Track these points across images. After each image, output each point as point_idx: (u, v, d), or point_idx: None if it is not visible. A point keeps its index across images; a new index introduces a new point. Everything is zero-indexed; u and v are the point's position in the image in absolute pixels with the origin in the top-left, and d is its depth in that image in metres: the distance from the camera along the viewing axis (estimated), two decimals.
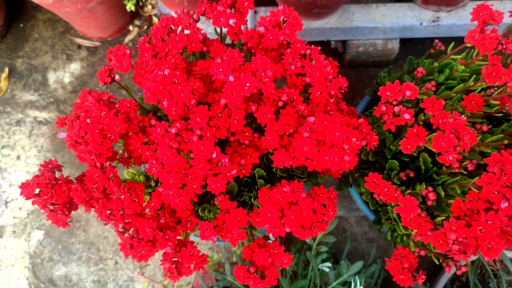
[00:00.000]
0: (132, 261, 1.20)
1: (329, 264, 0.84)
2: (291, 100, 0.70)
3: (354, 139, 0.60)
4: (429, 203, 0.68)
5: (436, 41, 0.89)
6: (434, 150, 0.63)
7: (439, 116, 0.65)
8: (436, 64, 0.83)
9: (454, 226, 0.60)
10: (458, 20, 1.21)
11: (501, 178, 0.59)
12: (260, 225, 0.63)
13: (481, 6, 0.67)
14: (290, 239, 1.03)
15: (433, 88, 0.74)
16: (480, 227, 0.59)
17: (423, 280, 0.78)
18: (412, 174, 0.76)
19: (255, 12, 1.22)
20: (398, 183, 0.79)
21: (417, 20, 1.21)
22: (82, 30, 1.42)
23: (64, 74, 1.42)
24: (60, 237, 1.24)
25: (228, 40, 0.82)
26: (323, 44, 1.34)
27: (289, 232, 0.63)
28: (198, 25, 0.77)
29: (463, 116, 0.63)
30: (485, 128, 0.69)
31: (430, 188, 0.69)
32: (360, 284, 0.80)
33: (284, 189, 0.63)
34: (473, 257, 1.02)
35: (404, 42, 1.36)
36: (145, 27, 1.47)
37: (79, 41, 1.44)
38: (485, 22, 0.68)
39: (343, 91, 0.71)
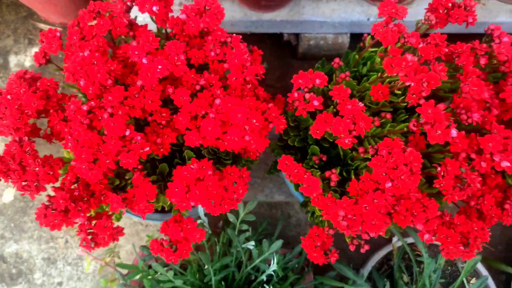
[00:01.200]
0: None
1: (252, 242, 0.89)
2: (211, 84, 0.74)
3: (254, 120, 0.64)
4: (332, 183, 0.73)
5: (365, 35, 0.94)
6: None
7: (343, 104, 0.70)
8: (356, 57, 0.88)
9: (344, 204, 0.65)
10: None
11: (388, 161, 0.64)
12: (169, 199, 0.67)
13: (387, 2, 0.72)
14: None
15: (347, 78, 0.79)
16: (365, 205, 0.64)
17: (335, 259, 0.83)
18: (324, 158, 0.80)
19: None
20: (316, 167, 0.84)
21: (364, 16, 1.26)
22: (44, 15, 1.45)
23: (26, 58, 1.45)
24: (13, 216, 1.28)
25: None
26: (278, 36, 1.38)
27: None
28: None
29: (360, 103, 0.68)
30: (388, 116, 0.74)
31: (334, 170, 0.74)
32: (276, 262, 0.85)
33: (192, 166, 0.67)
34: (399, 243, 1.08)
35: (354, 36, 1.41)
36: None
37: (42, 26, 1.47)
38: (392, 17, 0.73)
39: (259, 77, 0.75)
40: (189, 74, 0.72)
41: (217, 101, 0.66)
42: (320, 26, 1.28)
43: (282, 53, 1.46)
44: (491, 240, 1.36)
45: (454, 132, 0.63)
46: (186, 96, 0.70)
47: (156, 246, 0.73)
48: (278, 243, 0.88)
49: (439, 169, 0.68)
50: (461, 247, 0.70)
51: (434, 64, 0.65)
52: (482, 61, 0.71)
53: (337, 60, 0.79)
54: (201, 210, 0.93)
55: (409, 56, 0.64)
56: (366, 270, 1.07)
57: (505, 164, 0.65)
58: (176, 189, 0.66)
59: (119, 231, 0.71)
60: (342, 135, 0.67)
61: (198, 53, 0.75)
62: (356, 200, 0.66)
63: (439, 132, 0.63)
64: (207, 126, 0.65)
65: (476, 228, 0.70)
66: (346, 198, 0.66)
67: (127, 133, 0.67)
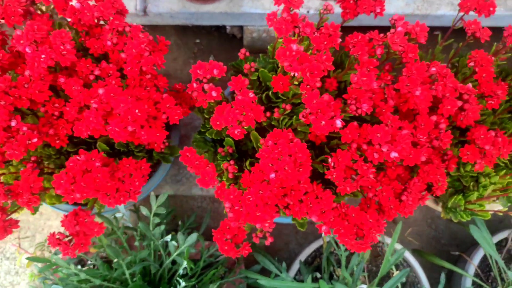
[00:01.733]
0: (18, 234, 1.22)
1: (169, 236, 0.88)
2: (109, 74, 0.73)
3: (137, 110, 0.63)
4: (230, 175, 0.73)
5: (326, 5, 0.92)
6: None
7: (240, 94, 0.69)
8: (270, 48, 0.87)
9: (232, 195, 0.65)
10: None
11: (273, 152, 0.63)
12: (55, 190, 0.66)
13: None
14: None
15: (253, 69, 0.78)
16: (249, 196, 0.63)
17: (247, 252, 0.82)
18: (230, 150, 0.79)
19: None
20: (229, 159, 0.83)
21: (304, 8, 1.25)
22: None
23: None
24: None
25: None
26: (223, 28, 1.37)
27: None
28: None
29: (251, 93, 0.67)
30: (288, 107, 0.73)
31: (232, 162, 0.73)
32: (185, 255, 0.84)
33: (78, 157, 0.66)
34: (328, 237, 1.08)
35: None
36: None
37: None
38: (289, 7, 0.72)
39: (159, 68, 0.74)
40: (83, 63, 0.71)
41: (100, 90, 0.64)
42: (260, 19, 1.27)
43: (230, 46, 1.45)
44: (435, 233, 1.37)
45: (338, 123, 0.63)
46: (78, 86, 0.69)
47: (53, 240, 0.72)
48: (194, 236, 0.87)
49: (330, 160, 0.67)
50: (355, 239, 0.69)
51: (319, 54, 0.64)
52: (378, 51, 0.70)
53: (243, 50, 0.78)
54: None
55: (293, 46, 0.64)
56: (296, 263, 1.07)
57: (393, 154, 0.64)
58: (62, 181, 0.65)
59: (13, 224, 0.70)
60: (231, 126, 0.66)
61: (97, 42, 0.74)
62: (242, 191, 0.65)
63: (323, 122, 0.62)
64: (89, 117, 0.64)
65: (371, 220, 0.70)
66: (234, 189, 0.66)
67: (13, 123, 0.66)
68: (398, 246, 1.13)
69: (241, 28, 1.34)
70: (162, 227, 0.87)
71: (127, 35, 0.75)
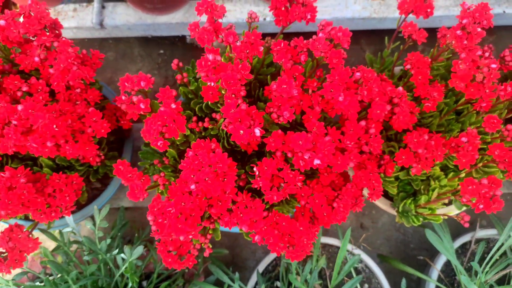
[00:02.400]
0: None
1: (115, 251, 0.87)
2: (39, 90, 0.73)
3: (55, 126, 0.63)
4: (161, 187, 0.72)
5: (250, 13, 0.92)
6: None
7: (163, 105, 0.69)
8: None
9: (156, 207, 0.64)
10: None
11: (194, 163, 0.63)
12: None
13: (204, 1, 0.70)
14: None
15: (185, 80, 0.78)
16: (171, 208, 0.62)
17: (191, 263, 0.82)
18: (167, 161, 0.79)
19: (103, 7, 1.24)
20: (170, 170, 0.83)
21: (261, 16, 1.25)
22: None
23: None
24: None
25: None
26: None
27: None
28: None
29: (173, 105, 0.66)
30: (219, 117, 0.73)
31: (162, 174, 0.73)
32: (129, 268, 0.83)
33: (3, 174, 0.66)
34: None
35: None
36: None
37: None
38: (214, 18, 0.71)
39: (88, 81, 0.74)
40: (11, 80, 0.71)
41: (19, 107, 0.64)
42: None
43: (194, 56, 1.45)
44: (404, 237, 1.35)
45: (257, 132, 0.62)
46: (5, 102, 0.69)
47: None
48: (139, 249, 0.86)
49: (255, 169, 0.66)
50: (287, 248, 0.68)
51: (240, 65, 0.63)
52: (302, 57, 0.69)
53: (175, 61, 0.78)
54: (69, 219, 0.92)
55: (209, 56, 0.63)
56: (257, 272, 1.06)
57: (316, 162, 0.64)
58: None
59: None
60: (154, 137, 0.66)
61: (26, 58, 0.74)
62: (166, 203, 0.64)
63: (242, 132, 0.62)
64: (8, 133, 0.63)
65: (301, 228, 0.69)
66: (158, 202, 0.65)
67: None
68: (360, 253, 1.11)
69: None
70: (108, 240, 0.87)
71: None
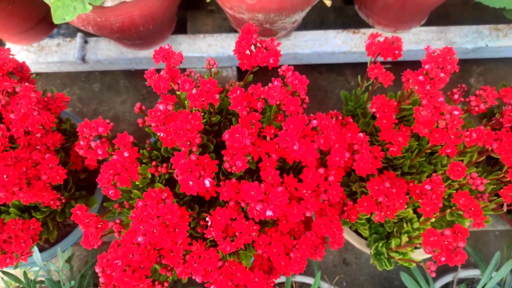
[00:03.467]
0: None
1: None
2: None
3: (5, 176, 0.63)
4: (116, 234, 0.71)
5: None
6: None
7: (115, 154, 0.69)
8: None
9: (104, 258, 0.63)
10: (281, 50, 1.25)
11: (142, 214, 0.62)
12: None
13: (161, 49, 0.71)
14: None
15: (146, 123, 0.77)
16: (117, 260, 0.61)
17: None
18: (115, 206, 0.78)
19: (86, 42, 1.26)
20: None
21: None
22: None
23: None
24: None
25: None
26: None
27: None
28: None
29: (127, 152, 0.66)
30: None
31: (118, 221, 0.72)
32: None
33: None
34: None
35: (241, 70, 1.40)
36: None
37: None
38: (171, 64, 0.72)
39: (47, 127, 0.74)
40: None
41: None
42: (199, 61, 1.28)
43: None
44: (388, 274, 1.30)
45: (207, 183, 0.61)
46: None
47: None
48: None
49: (208, 218, 0.65)
50: None
51: (184, 112, 0.63)
52: (259, 104, 0.69)
53: (138, 105, 0.78)
54: (37, 258, 0.91)
55: (160, 106, 0.63)
56: None
57: (269, 213, 0.62)
58: None
59: None
60: (105, 186, 0.65)
61: None
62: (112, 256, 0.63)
63: (191, 183, 0.61)
64: None
65: (256, 279, 0.67)
66: (111, 251, 0.64)
67: None
68: None
69: (183, 70, 1.35)
70: (73, 282, 0.85)
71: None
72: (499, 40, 1.26)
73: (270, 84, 0.69)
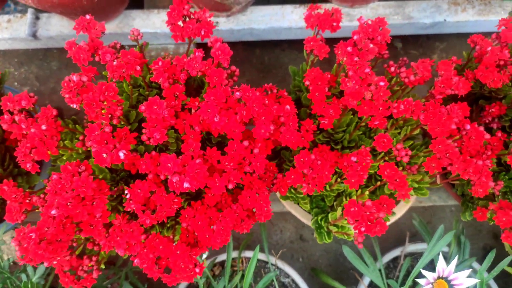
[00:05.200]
0: None
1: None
2: None
3: None
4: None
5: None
6: None
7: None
8: None
9: (22, 232, 0.63)
10: (236, 25, 1.23)
11: (57, 187, 0.61)
12: None
13: (81, 20, 0.69)
14: None
15: None
16: (31, 233, 0.61)
17: (91, 283, 0.80)
18: None
19: (37, 18, 1.23)
20: None
21: None
22: None
23: None
24: None
25: None
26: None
27: None
28: None
29: (44, 127, 0.65)
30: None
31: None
32: None
33: None
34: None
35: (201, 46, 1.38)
36: None
37: None
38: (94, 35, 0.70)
39: None
40: None
41: None
42: (154, 37, 1.26)
43: None
44: (340, 252, 1.31)
45: (121, 155, 0.61)
46: None
47: None
48: (42, 268, 0.85)
49: (126, 191, 0.65)
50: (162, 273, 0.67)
51: (98, 85, 0.62)
52: (182, 76, 0.68)
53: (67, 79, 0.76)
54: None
55: (74, 77, 0.62)
56: None
57: (186, 185, 0.62)
58: None
59: None
60: (22, 160, 0.64)
61: None
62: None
63: (105, 155, 0.60)
64: None
65: (179, 252, 0.67)
66: (22, 229, 0.64)
67: None
68: (290, 271, 1.10)
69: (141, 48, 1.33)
70: (12, 258, 0.85)
71: None
72: (458, 14, 1.25)
73: (191, 55, 0.68)
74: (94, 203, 0.63)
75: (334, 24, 0.81)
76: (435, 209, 1.31)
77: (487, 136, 0.72)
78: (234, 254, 1.07)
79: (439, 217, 1.32)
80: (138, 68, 0.66)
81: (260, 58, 1.46)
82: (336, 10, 0.80)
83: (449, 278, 0.75)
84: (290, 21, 1.24)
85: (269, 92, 0.80)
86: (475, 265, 1.09)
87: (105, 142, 0.61)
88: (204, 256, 1.03)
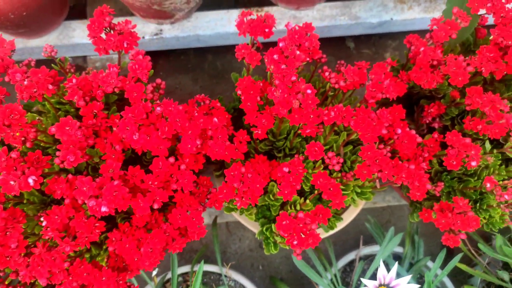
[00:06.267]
0: None
1: None
2: None
3: None
4: None
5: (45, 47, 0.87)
6: None
7: None
8: None
9: None
10: (181, 32, 1.20)
11: None
12: None
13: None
14: None
15: None
16: None
17: None
18: None
19: None
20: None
21: (139, 34, 1.19)
22: None
23: None
24: None
25: None
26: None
27: None
28: None
29: None
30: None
31: None
32: None
33: None
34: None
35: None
36: None
37: None
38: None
39: None
40: None
41: None
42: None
43: None
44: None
45: (31, 181, 0.57)
46: None
47: None
48: None
49: (43, 219, 0.61)
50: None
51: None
52: (99, 92, 0.64)
53: None
54: None
55: None
56: None
57: (104, 209, 0.59)
58: None
59: None
60: None
61: None
62: None
63: (13, 182, 0.57)
64: None
65: (104, 278, 0.64)
66: None
67: None
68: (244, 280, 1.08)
69: (84, 58, 1.29)
70: None
71: None
72: (404, 13, 1.25)
73: (107, 70, 0.65)
74: (8, 233, 0.59)
75: (267, 30, 0.78)
76: (393, 208, 1.31)
77: (419, 139, 0.71)
78: (186, 268, 1.04)
79: (398, 216, 1.32)
80: (51, 87, 0.63)
81: (212, 63, 1.43)
82: (268, 15, 0.78)
83: (391, 285, 0.73)
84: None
85: (202, 103, 0.78)
86: (430, 264, 1.09)
87: (14, 168, 0.57)
88: (154, 272, 1.00)
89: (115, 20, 1.20)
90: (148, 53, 1.25)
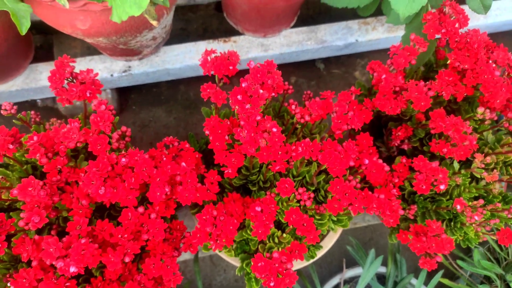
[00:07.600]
0: None
1: None
2: None
3: None
4: None
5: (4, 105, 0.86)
6: None
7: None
8: None
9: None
10: (150, 67, 1.20)
11: None
12: None
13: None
14: None
15: None
16: None
17: None
18: None
19: None
20: None
21: (108, 72, 1.19)
22: None
23: None
24: None
25: None
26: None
27: None
28: None
29: None
30: None
31: None
32: None
33: None
34: None
35: (120, 91, 1.34)
36: None
37: None
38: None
39: None
40: None
41: None
42: None
43: (55, 117, 1.37)
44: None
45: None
46: None
47: None
48: None
49: (9, 284, 0.59)
50: None
51: None
52: (62, 148, 0.63)
53: None
54: None
55: None
56: None
57: (72, 269, 0.57)
58: None
59: None
60: None
61: None
62: None
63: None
64: None
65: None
66: None
67: None
68: None
69: (54, 99, 1.27)
70: None
71: None
72: (368, 34, 1.28)
73: (68, 125, 0.64)
74: None
75: (231, 67, 0.79)
76: (374, 226, 1.32)
77: (387, 168, 0.72)
78: None
79: (380, 233, 1.33)
80: (11, 146, 0.61)
81: (185, 94, 1.43)
82: (232, 53, 0.79)
83: None
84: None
85: (170, 146, 0.77)
86: (414, 281, 1.09)
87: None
88: None
89: (82, 60, 1.20)
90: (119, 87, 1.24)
